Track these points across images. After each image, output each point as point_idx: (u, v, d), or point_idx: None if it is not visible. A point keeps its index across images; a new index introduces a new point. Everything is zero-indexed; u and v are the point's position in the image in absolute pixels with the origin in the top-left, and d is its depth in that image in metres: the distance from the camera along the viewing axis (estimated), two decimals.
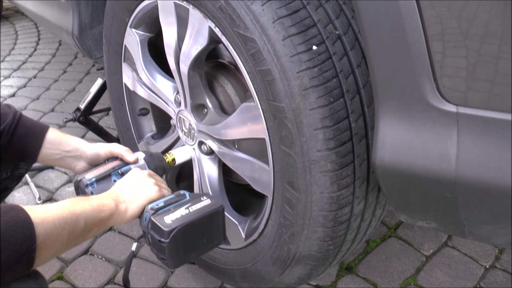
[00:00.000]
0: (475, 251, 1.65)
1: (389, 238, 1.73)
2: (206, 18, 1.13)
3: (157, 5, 1.32)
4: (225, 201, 1.38)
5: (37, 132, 1.24)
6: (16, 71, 3.25)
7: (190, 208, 1.02)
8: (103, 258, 1.72)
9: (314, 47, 0.98)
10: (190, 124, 1.36)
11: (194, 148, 1.39)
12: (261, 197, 1.25)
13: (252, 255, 1.32)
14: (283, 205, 1.15)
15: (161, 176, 1.27)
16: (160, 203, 1.04)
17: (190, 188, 1.47)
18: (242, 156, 1.24)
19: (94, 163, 1.25)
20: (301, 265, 1.21)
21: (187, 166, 1.49)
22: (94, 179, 1.17)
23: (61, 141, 1.26)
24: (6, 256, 0.81)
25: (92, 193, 1.15)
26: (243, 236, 1.33)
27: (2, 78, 3.15)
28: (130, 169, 1.20)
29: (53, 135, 1.26)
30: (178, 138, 1.45)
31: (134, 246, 1.08)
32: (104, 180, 1.18)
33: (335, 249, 1.18)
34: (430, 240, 1.70)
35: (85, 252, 1.75)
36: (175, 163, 1.35)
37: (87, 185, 1.16)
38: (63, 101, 2.82)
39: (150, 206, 1.04)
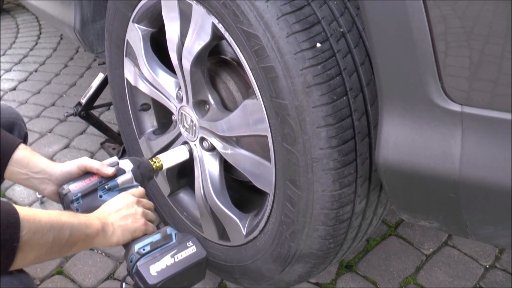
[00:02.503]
0: (475, 251, 1.65)
1: (389, 237, 1.72)
2: (209, 14, 1.13)
3: (160, 0, 1.31)
4: (226, 197, 1.38)
5: (6, 149, 1.18)
6: (17, 65, 3.24)
7: (175, 256, 1.05)
8: (103, 254, 1.72)
9: (318, 45, 0.98)
10: (191, 120, 1.35)
11: (195, 144, 1.38)
12: (263, 194, 1.25)
13: (253, 252, 1.32)
14: (285, 202, 1.15)
15: (146, 184, 1.27)
16: (147, 246, 1.06)
17: (191, 184, 1.47)
18: (244, 153, 1.24)
19: (66, 183, 1.18)
20: (301, 263, 1.21)
21: (188, 162, 1.49)
22: (80, 195, 1.13)
23: (28, 161, 1.18)
24: None
25: (77, 210, 1.13)
26: (244, 233, 1.32)
27: (3, 71, 3.15)
28: (117, 183, 1.18)
29: (21, 154, 1.18)
30: (179, 134, 1.45)
31: (123, 286, 1.09)
32: (90, 195, 1.15)
33: (335, 248, 1.18)
34: (430, 239, 1.70)
35: None
36: (162, 168, 1.33)
37: (72, 201, 1.13)
38: (64, 95, 2.81)
39: (137, 248, 1.06)
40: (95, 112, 2.27)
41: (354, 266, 1.62)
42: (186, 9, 1.22)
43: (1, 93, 2.87)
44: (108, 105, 2.42)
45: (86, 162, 1.19)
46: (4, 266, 0.87)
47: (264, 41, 1.00)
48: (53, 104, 2.72)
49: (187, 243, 1.07)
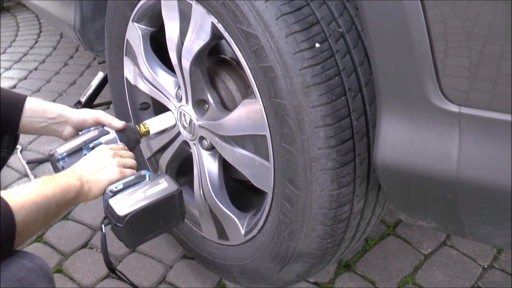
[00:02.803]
0: (473, 251, 1.65)
1: (388, 237, 1.73)
2: (209, 14, 1.13)
3: (159, 0, 1.31)
4: (225, 197, 1.38)
5: (15, 101, 1.23)
6: (17, 63, 3.24)
7: (146, 191, 1.05)
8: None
9: (317, 45, 0.98)
10: (191, 119, 1.36)
11: (194, 144, 1.38)
12: (261, 193, 1.25)
13: (251, 251, 1.32)
14: (283, 202, 1.15)
15: (134, 147, 1.29)
16: (119, 185, 1.07)
17: (190, 184, 1.47)
18: (243, 153, 1.24)
19: (80, 128, 1.27)
20: (299, 263, 1.21)
21: (187, 161, 1.49)
22: (65, 154, 1.18)
23: (44, 108, 1.26)
24: None
25: (63, 168, 1.17)
26: (243, 233, 1.33)
27: (3, 69, 3.15)
28: (100, 142, 1.22)
29: (35, 103, 1.25)
30: (178, 133, 1.45)
31: (102, 228, 1.11)
32: (75, 154, 1.19)
33: (334, 247, 1.18)
34: (428, 239, 1.70)
35: (84, 245, 1.75)
36: (149, 133, 1.36)
37: (58, 160, 1.17)
38: (64, 94, 2.81)
39: (110, 188, 1.07)
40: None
41: (352, 265, 1.63)
42: (185, 8, 1.22)
43: None
44: (107, 104, 2.43)
45: (100, 115, 1.27)
46: (3, 258, 0.90)
47: (263, 41, 1.00)
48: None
49: (159, 180, 1.08)
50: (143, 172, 1.12)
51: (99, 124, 1.26)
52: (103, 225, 1.10)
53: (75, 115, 1.27)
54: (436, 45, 0.81)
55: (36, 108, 1.25)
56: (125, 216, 1.01)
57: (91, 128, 1.26)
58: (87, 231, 1.80)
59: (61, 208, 1.01)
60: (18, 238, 0.90)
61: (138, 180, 1.09)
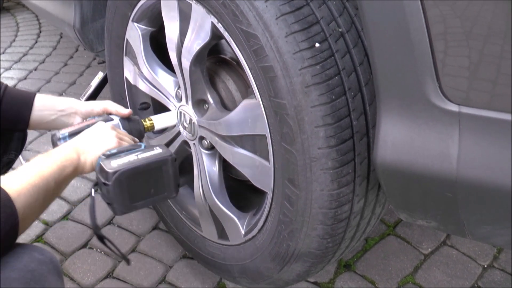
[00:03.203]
0: (473, 251, 1.65)
1: (388, 236, 1.73)
2: (209, 14, 1.13)
3: (159, 0, 1.31)
4: (225, 196, 1.38)
5: (26, 98, 1.28)
6: (16, 63, 3.24)
7: (139, 155, 1.03)
8: (102, 252, 1.72)
9: (317, 45, 0.98)
10: (191, 119, 1.36)
11: (194, 144, 1.38)
12: (261, 193, 1.25)
13: (251, 251, 1.32)
14: (283, 202, 1.15)
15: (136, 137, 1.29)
16: (114, 150, 1.06)
17: (190, 183, 1.47)
18: (243, 152, 1.24)
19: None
20: (299, 262, 1.21)
21: (187, 161, 1.49)
22: (67, 134, 1.19)
23: (54, 102, 1.30)
24: None
25: None
26: (242, 232, 1.33)
27: (2, 70, 3.15)
28: None
29: (44, 99, 1.29)
30: (178, 133, 1.45)
31: (92, 192, 1.06)
32: (77, 135, 1.18)
33: (334, 247, 1.18)
34: (428, 239, 1.70)
35: (84, 245, 1.75)
36: (153, 128, 1.36)
37: (59, 139, 1.18)
38: (63, 94, 2.81)
39: (102, 152, 1.06)
40: None
41: (352, 265, 1.63)
42: (185, 8, 1.22)
43: None
44: None
45: (108, 105, 1.30)
46: (8, 247, 0.90)
47: (263, 41, 1.00)
48: None
49: (154, 148, 1.06)
50: (139, 143, 1.12)
51: (106, 113, 1.29)
52: (93, 189, 1.05)
53: (83, 106, 1.30)
54: (436, 45, 0.81)
55: (45, 102, 1.28)
56: (114, 172, 0.98)
57: (96, 117, 1.28)
58: (87, 231, 1.80)
59: (60, 185, 1.01)
60: (22, 223, 0.90)
61: (133, 147, 1.07)
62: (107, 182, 0.99)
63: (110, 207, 1.03)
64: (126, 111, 1.29)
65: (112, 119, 1.26)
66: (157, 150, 1.05)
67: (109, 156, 1.03)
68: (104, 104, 1.30)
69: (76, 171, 1.06)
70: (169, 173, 1.05)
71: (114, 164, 0.99)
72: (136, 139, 1.22)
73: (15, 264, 0.88)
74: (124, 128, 1.26)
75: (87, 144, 1.09)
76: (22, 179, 0.94)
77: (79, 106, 1.30)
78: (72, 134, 1.18)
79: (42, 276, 0.90)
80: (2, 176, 0.93)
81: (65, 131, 1.20)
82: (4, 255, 0.88)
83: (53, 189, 0.99)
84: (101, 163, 1.01)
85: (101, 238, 1.06)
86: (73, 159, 1.05)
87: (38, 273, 0.89)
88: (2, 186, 0.90)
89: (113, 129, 1.16)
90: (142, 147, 1.08)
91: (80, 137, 1.12)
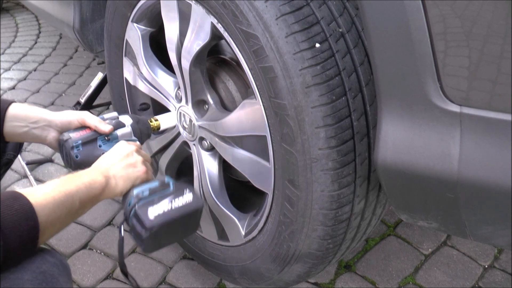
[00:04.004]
0: (474, 251, 1.65)
1: (388, 237, 1.72)
2: (208, 14, 1.13)
3: (159, 0, 1.31)
4: (225, 197, 1.37)
5: None
6: (16, 64, 3.24)
7: (173, 202, 1.05)
8: (102, 253, 1.72)
9: (317, 45, 0.98)
10: (190, 120, 1.35)
11: (194, 144, 1.38)
12: (261, 194, 1.25)
13: (251, 252, 1.32)
14: (283, 202, 1.15)
15: (144, 141, 1.30)
16: (146, 191, 1.07)
17: (190, 184, 1.47)
18: (243, 153, 1.24)
19: (65, 131, 1.22)
20: (300, 263, 1.21)
21: (187, 162, 1.49)
22: (80, 142, 1.16)
23: (26, 113, 1.20)
24: (15, 246, 0.86)
25: (77, 156, 1.16)
26: (243, 233, 1.32)
27: (2, 70, 3.14)
28: (116, 135, 1.21)
29: (18, 109, 1.20)
30: (178, 134, 1.45)
31: (121, 230, 1.09)
32: (90, 144, 1.18)
33: (334, 248, 1.18)
34: (429, 239, 1.70)
35: (84, 246, 1.75)
36: (159, 129, 1.35)
37: (72, 147, 1.15)
38: (63, 94, 2.81)
39: (135, 192, 1.07)
40: (94, 112, 2.27)
41: (353, 266, 1.62)
42: (185, 9, 1.22)
43: (1, 92, 2.87)
44: (107, 104, 2.42)
45: (85, 116, 1.22)
46: (25, 259, 0.91)
47: (263, 41, 1.00)
48: (52, 103, 2.72)
49: (184, 191, 1.08)
50: (166, 179, 1.12)
51: (85, 126, 1.21)
52: (122, 227, 1.09)
53: (58, 118, 1.21)
54: (437, 45, 0.81)
55: (18, 113, 1.19)
56: (153, 227, 1.01)
57: (106, 120, 1.24)
58: (87, 232, 1.80)
59: (85, 204, 1.01)
60: (42, 237, 0.91)
61: (163, 188, 1.09)
62: (144, 233, 1.02)
63: (137, 243, 1.06)
64: (107, 128, 1.20)
65: (123, 125, 1.24)
66: (188, 197, 1.08)
67: (143, 200, 1.05)
68: (81, 115, 1.22)
69: (104, 193, 1.05)
70: (197, 218, 1.10)
71: (151, 216, 1.02)
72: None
73: (28, 265, 0.89)
74: (134, 131, 1.25)
75: (116, 169, 1.09)
76: (47, 193, 0.94)
77: (52, 118, 1.21)
78: (85, 143, 1.16)
79: (54, 277, 0.91)
80: (27, 189, 0.93)
81: (77, 138, 1.16)
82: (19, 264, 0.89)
83: (77, 208, 0.99)
84: (137, 210, 1.03)
85: (126, 275, 1.10)
86: (101, 182, 1.05)
87: (50, 274, 0.91)
88: (27, 197, 0.90)
89: (137, 152, 1.15)
90: (171, 187, 1.09)
91: (107, 160, 1.11)
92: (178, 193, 1.07)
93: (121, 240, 1.09)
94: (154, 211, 1.03)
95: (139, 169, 1.12)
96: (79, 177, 1.03)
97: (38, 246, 0.92)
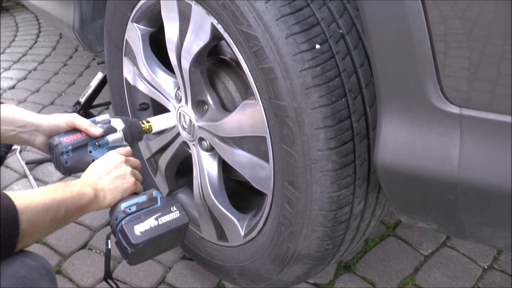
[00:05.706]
0: (473, 252, 1.65)
1: (387, 237, 1.72)
2: (208, 15, 1.13)
3: (159, 0, 1.31)
4: (224, 198, 1.37)
5: None
6: (16, 63, 3.24)
7: (159, 219, 1.07)
8: (101, 253, 1.71)
9: (317, 46, 0.98)
10: (190, 120, 1.35)
11: (194, 145, 1.38)
12: (261, 194, 1.25)
13: (251, 252, 1.32)
14: (283, 203, 1.15)
15: (135, 145, 1.30)
16: (133, 206, 1.08)
17: (190, 185, 1.47)
18: (243, 154, 1.24)
19: (53, 135, 1.20)
20: (299, 264, 1.21)
21: (187, 162, 1.49)
22: (70, 147, 1.16)
23: (14, 116, 1.18)
24: None
25: (66, 162, 1.15)
26: (242, 234, 1.32)
27: (2, 70, 3.14)
28: (107, 141, 1.21)
29: (6, 111, 1.18)
30: (178, 134, 1.45)
31: (108, 244, 1.11)
32: (80, 149, 1.17)
33: (334, 249, 1.18)
34: (428, 240, 1.70)
35: (83, 246, 1.74)
36: (152, 131, 1.35)
37: (62, 153, 1.15)
38: (63, 94, 2.81)
39: (123, 206, 1.08)
40: (94, 111, 2.27)
41: (352, 266, 1.62)
42: (185, 9, 1.22)
43: (0, 91, 2.87)
44: (107, 104, 2.42)
45: (75, 119, 1.19)
46: (4, 257, 0.89)
47: (263, 42, 1.00)
48: (52, 103, 2.72)
49: (171, 208, 1.09)
50: (154, 193, 1.12)
51: (76, 129, 1.20)
52: (109, 241, 1.10)
53: (46, 122, 1.19)
54: (437, 46, 0.81)
55: (6, 116, 1.17)
56: (138, 244, 1.03)
57: (98, 123, 1.22)
58: (86, 232, 1.80)
59: (71, 214, 1.01)
60: (24, 238, 0.89)
61: (151, 204, 1.10)
62: (129, 249, 1.04)
63: (123, 256, 1.08)
64: (98, 132, 1.19)
65: (115, 130, 1.23)
66: (175, 214, 1.09)
67: (130, 215, 1.06)
68: (70, 118, 1.20)
69: (91, 205, 1.06)
70: (181, 235, 1.12)
71: (137, 232, 1.04)
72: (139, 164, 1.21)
73: (5, 271, 0.87)
74: (125, 137, 1.24)
75: (105, 182, 1.09)
76: (32, 196, 0.94)
77: (40, 122, 1.19)
78: (75, 149, 1.16)
79: (34, 282, 0.89)
80: (14, 192, 0.93)
81: (67, 144, 1.15)
82: None
83: (62, 216, 0.98)
84: (124, 225, 1.04)
85: (109, 284, 1.13)
86: (89, 194, 1.05)
87: (29, 279, 0.88)
88: (12, 198, 0.89)
89: (126, 162, 1.15)
90: (159, 202, 1.10)
91: (96, 171, 1.10)
92: (165, 209, 1.09)
93: (108, 251, 1.11)
94: (140, 228, 1.04)
95: (128, 181, 1.11)
96: (68, 186, 1.03)
97: (16, 247, 0.90)
